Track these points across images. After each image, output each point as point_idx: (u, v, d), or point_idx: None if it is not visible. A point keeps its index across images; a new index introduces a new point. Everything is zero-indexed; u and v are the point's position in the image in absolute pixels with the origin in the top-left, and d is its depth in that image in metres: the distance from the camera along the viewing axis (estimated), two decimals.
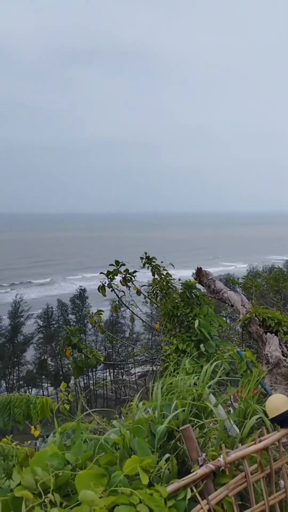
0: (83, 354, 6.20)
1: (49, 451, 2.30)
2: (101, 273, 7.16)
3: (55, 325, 69.09)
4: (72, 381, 53.05)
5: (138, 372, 66.84)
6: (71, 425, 2.71)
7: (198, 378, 3.52)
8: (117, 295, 7.18)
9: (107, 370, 65.98)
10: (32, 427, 5.11)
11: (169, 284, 7.49)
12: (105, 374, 66.32)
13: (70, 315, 71.21)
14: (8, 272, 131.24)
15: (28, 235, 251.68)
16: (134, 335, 68.33)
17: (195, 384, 3.48)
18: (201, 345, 6.34)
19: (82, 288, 72.39)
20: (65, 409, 5.74)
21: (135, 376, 63.32)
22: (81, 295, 70.88)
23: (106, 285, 7.11)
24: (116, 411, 4.24)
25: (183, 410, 3.01)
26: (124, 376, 67.16)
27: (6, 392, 58.19)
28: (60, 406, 5.27)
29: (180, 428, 2.70)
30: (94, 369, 61.80)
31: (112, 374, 67.67)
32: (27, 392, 57.90)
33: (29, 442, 5.43)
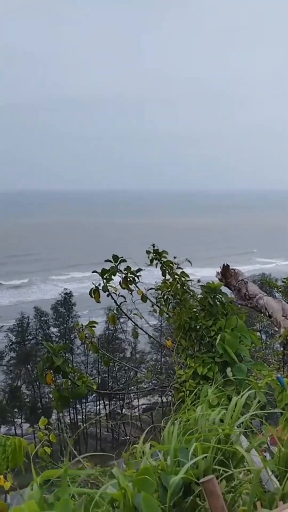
0: (69, 380, 6.19)
1: (26, 509, 2.29)
2: (94, 271, 7.15)
3: (32, 341, 69.27)
4: (54, 416, 53.34)
5: (143, 404, 67.12)
6: (55, 474, 2.71)
7: (225, 413, 3.51)
8: (115, 302, 7.16)
9: (102, 401, 66.22)
10: (1, 477, 5.13)
11: (185, 287, 7.47)
12: (98, 407, 66.58)
13: (51, 328, 71.42)
14: None
15: None
16: (138, 355, 68.54)
17: (220, 421, 3.47)
18: (228, 369, 6.34)
19: (68, 291, 72.46)
20: (45, 453, 5.75)
21: (139, 410, 63.59)
22: (67, 301, 71.03)
23: (101, 288, 7.08)
24: (113, 456, 4.23)
25: (205, 456, 3.00)
26: (124, 410, 67.43)
27: None
28: (38, 449, 5.28)
29: (201, 480, 2.69)
30: (83, 400, 62.03)
31: (108, 406, 67.95)
32: None
33: None
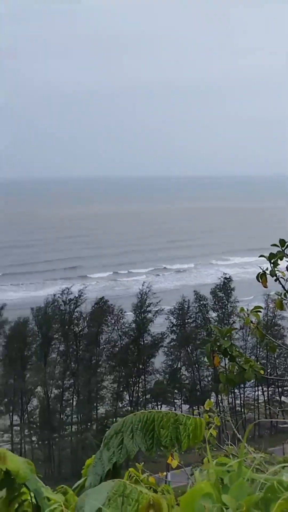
0: (236, 364, 6.10)
1: (204, 489, 2.27)
2: (261, 256, 6.96)
3: (192, 324, 69.85)
4: (212, 399, 53.69)
5: None
6: (230, 462, 2.67)
7: None
8: (283, 287, 6.91)
9: (260, 387, 65.58)
10: (169, 455, 5.22)
11: None
12: (256, 393, 66.02)
13: (210, 312, 71.49)
14: (137, 255, 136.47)
15: (143, 205, 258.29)
16: None
17: None
18: None
19: (227, 276, 72.03)
20: (212, 436, 5.74)
21: None
22: (226, 285, 70.62)
23: (268, 272, 6.85)
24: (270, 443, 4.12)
25: None
26: (283, 398, 66.39)
27: (130, 408, 60.80)
28: (206, 431, 5.29)
29: None
30: (242, 386, 61.83)
31: (266, 393, 67.20)
32: (155, 409, 59.89)
33: (164, 473, 5.57)
